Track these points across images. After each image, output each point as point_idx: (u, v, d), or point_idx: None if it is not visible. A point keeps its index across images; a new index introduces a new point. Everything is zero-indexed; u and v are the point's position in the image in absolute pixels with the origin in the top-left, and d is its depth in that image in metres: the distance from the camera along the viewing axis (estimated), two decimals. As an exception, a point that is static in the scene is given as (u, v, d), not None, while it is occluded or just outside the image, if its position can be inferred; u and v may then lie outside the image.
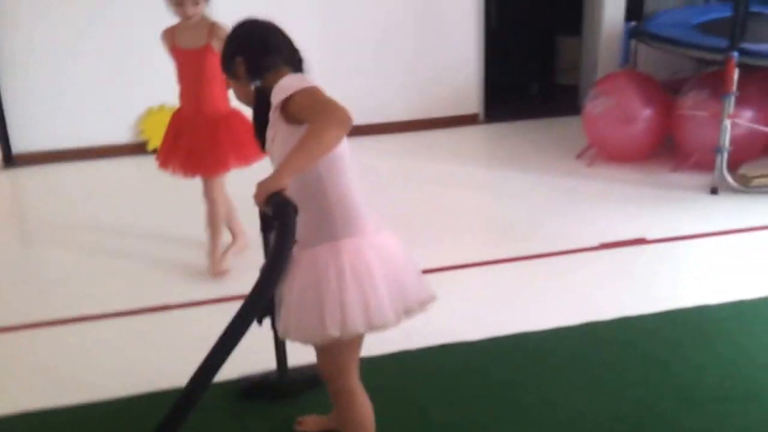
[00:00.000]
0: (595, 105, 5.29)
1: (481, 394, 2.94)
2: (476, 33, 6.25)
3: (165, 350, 3.33)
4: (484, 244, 4.33)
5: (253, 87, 2.23)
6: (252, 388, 2.95)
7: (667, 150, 5.29)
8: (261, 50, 2.22)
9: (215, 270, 3.91)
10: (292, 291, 2.17)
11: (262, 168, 2.61)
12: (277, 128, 2.12)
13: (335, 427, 2.59)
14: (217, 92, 3.76)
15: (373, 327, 2.14)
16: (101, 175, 5.71)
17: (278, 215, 1.89)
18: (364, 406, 2.33)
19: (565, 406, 2.88)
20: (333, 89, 2.13)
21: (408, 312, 2.22)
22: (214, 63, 3.65)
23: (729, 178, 4.75)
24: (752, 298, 3.57)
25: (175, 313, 3.65)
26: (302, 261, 2.14)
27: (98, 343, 3.42)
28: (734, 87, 4.57)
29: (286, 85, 2.08)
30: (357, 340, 2.26)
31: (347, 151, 2.16)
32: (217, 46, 3.62)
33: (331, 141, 1.94)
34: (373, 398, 2.60)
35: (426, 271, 3.68)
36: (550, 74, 7.45)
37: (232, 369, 2.94)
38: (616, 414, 2.82)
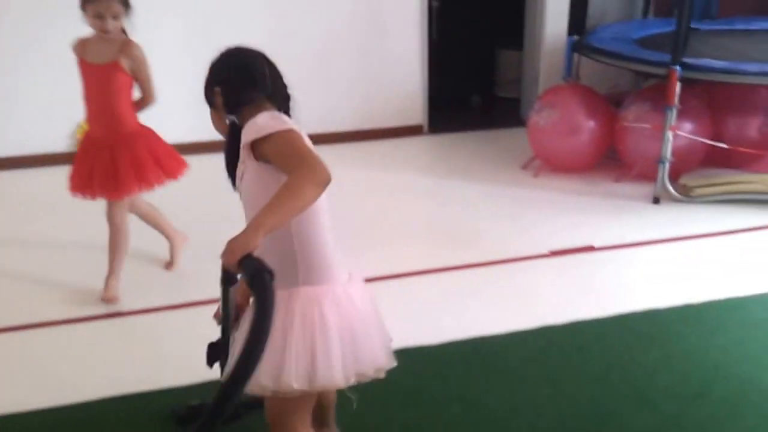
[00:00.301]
0: (540, 117, 5.38)
1: (443, 396, 2.97)
2: (420, 46, 6.31)
3: (119, 356, 3.28)
4: (436, 252, 4.34)
5: (227, 121, 2.12)
6: (188, 414, 2.78)
7: (610, 161, 5.42)
8: (241, 83, 2.09)
9: (107, 295, 3.70)
10: (240, 332, 2.06)
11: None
12: (246, 165, 2.02)
13: None
14: (123, 111, 3.56)
15: (315, 386, 2.01)
16: (39, 183, 5.55)
17: (255, 285, 1.75)
18: None
19: (525, 406, 2.92)
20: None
21: (360, 376, 2.10)
22: (123, 81, 3.50)
23: (671, 188, 4.89)
24: (698, 303, 3.68)
25: (128, 319, 3.60)
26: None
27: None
28: (676, 100, 4.71)
29: (261, 124, 1.96)
30: (307, 394, 2.07)
31: (323, 200, 2.01)
32: (127, 64, 3.47)
33: (308, 200, 1.84)
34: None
35: (377, 279, 3.77)
36: (491, 87, 7.56)
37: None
38: (574, 413, 2.88)
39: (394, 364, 2.20)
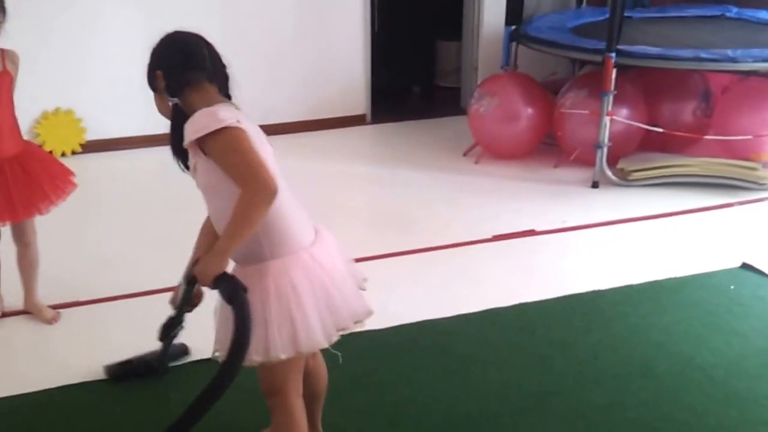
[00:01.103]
0: (480, 105, 5.42)
1: (392, 380, 2.98)
2: (363, 39, 6.33)
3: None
4: (381, 238, 4.34)
5: (170, 103, 2.16)
6: (120, 369, 2.98)
7: (550, 147, 5.48)
8: (181, 65, 2.12)
9: (45, 317, 3.47)
10: (220, 308, 2.15)
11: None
12: (196, 159, 2.07)
13: None
14: (15, 121, 3.24)
15: (299, 352, 2.09)
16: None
17: (232, 302, 1.97)
18: (299, 423, 2.26)
19: (472, 387, 2.95)
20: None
21: (341, 330, 2.18)
22: (11, 89, 3.22)
23: (609, 173, 4.97)
24: (638, 284, 3.75)
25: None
26: None
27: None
28: (612, 86, 4.78)
29: (199, 125, 2.00)
30: (295, 359, 2.16)
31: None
32: (13, 71, 3.20)
33: (260, 218, 1.98)
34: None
35: None
36: (432, 77, 7.60)
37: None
38: (520, 394, 2.91)
39: (372, 312, 2.28)
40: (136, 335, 3.19)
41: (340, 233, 4.22)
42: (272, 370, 2.15)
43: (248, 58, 5.93)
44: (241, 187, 1.96)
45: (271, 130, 6.66)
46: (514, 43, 5.74)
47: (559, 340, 3.26)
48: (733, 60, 4.71)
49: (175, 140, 2.16)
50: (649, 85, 5.27)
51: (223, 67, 2.19)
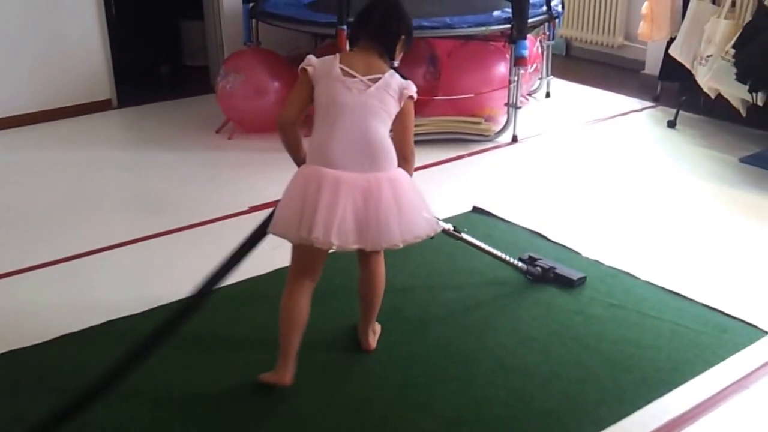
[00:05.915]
0: (227, 82, 5.54)
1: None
2: (98, 21, 6.18)
3: None
4: (141, 221, 4.37)
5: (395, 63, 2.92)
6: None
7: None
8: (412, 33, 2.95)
9: None
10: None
11: None
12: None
13: None
14: None
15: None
16: None
17: None
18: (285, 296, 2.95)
19: (225, 367, 3.12)
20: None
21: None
22: None
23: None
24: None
25: None
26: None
27: None
28: (348, 56, 5.06)
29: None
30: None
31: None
32: None
33: (280, 137, 3.02)
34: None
35: (87, 254, 3.79)
36: (179, 57, 7.58)
37: None
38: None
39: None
40: None
41: (97, 220, 4.29)
42: None
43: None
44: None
45: (4, 123, 6.43)
46: (254, 20, 5.89)
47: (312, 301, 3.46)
48: (450, 26, 5.17)
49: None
50: (382, 53, 5.60)
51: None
